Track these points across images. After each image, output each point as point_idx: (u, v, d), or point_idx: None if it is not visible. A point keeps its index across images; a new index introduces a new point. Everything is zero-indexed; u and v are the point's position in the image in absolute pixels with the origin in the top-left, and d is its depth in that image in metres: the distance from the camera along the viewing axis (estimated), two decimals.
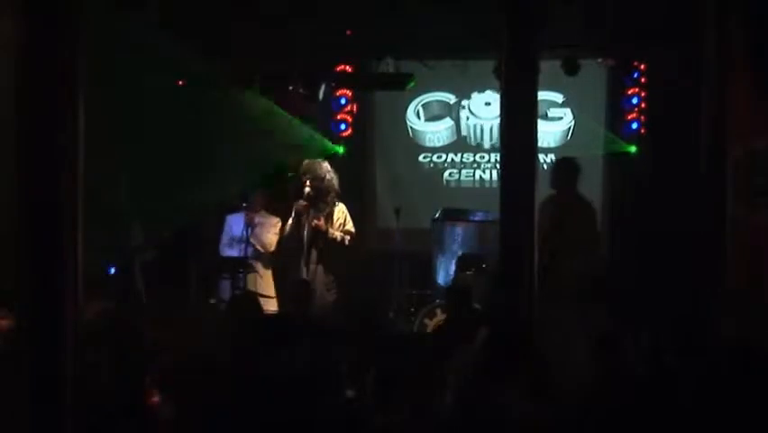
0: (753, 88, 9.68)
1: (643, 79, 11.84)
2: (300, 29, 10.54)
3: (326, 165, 9.83)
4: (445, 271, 11.14)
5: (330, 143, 12.11)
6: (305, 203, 9.58)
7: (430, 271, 11.23)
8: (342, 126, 12.28)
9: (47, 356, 4.76)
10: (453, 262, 10.94)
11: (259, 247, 10.48)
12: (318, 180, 9.62)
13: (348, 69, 11.98)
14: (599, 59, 11.65)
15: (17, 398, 4.68)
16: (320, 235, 9.54)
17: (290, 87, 11.51)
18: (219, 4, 10.58)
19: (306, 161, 9.99)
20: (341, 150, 12.17)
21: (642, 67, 11.76)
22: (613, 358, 5.96)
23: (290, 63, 11.13)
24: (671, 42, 10.59)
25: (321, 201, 9.63)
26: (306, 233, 9.61)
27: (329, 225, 9.61)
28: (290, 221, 9.70)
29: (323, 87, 11.51)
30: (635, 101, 11.93)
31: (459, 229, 11.35)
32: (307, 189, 9.59)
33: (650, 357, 5.96)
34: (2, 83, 4.93)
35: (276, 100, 11.77)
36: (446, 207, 11.46)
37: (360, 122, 12.43)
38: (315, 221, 9.54)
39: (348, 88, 12.22)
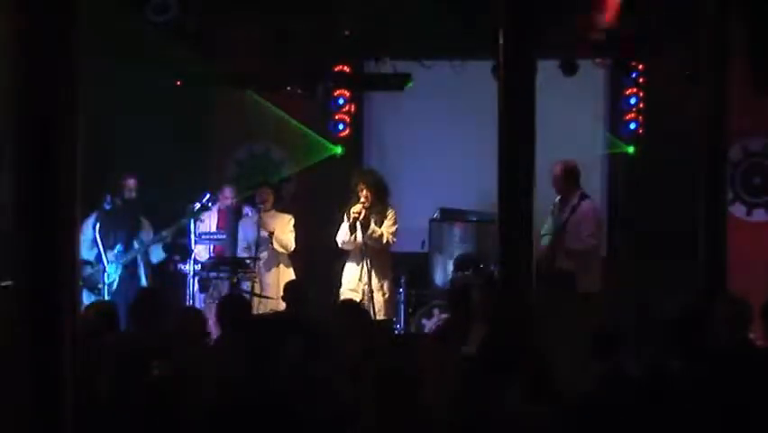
0: (750, 89, 9.69)
1: (641, 79, 11.83)
2: (299, 29, 10.53)
3: (377, 173, 9.96)
4: (443, 272, 11.14)
5: (328, 144, 12.13)
6: (359, 208, 9.61)
7: (427, 271, 11.23)
8: (341, 126, 12.26)
9: (46, 356, 4.74)
10: (451, 262, 10.94)
11: (279, 248, 10.52)
12: (376, 189, 9.71)
13: (346, 69, 11.97)
14: (597, 60, 11.65)
15: (17, 398, 4.67)
16: (371, 238, 9.62)
17: (288, 88, 11.52)
18: (217, 3, 10.57)
19: (358, 170, 10.20)
20: (339, 150, 12.17)
21: (640, 67, 11.75)
22: (612, 358, 5.95)
23: (288, 63, 11.12)
24: (669, 43, 10.60)
25: (374, 208, 9.68)
26: (361, 238, 9.66)
27: (377, 226, 9.68)
28: (344, 226, 9.71)
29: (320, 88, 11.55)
30: (633, 101, 11.92)
31: (456, 229, 11.35)
32: (362, 198, 9.62)
33: (650, 358, 5.95)
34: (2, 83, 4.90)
35: (274, 100, 11.80)
36: (444, 206, 11.47)
37: (358, 122, 12.42)
38: (355, 212, 9.61)
39: (346, 89, 12.21)
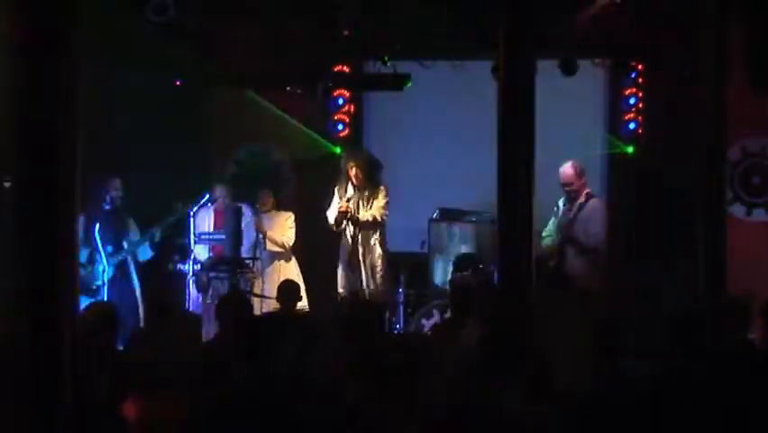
0: (749, 88, 9.69)
1: (641, 80, 11.82)
2: (299, 29, 10.53)
3: (367, 152, 10.17)
4: (442, 272, 11.13)
5: (328, 144, 12.12)
6: (345, 207, 9.77)
7: (427, 271, 11.22)
8: (340, 126, 12.25)
9: (45, 356, 4.74)
10: (450, 262, 10.93)
11: (276, 248, 10.57)
12: (366, 167, 9.86)
13: (345, 69, 11.97)
14: (597, 60, 11.64)
15: (17, 398, 4.67)
16: (358, 220, 9.79)
17: (288, 88, 11.51)
18: (217, 3, 10.57)
19: (348, 151, 10.40)
20: (338, 150, 12.16)
21: (640, 67, 11.74)
22: (612, 358, 5.95)
23: (288, 63, 11.11)
24: (669, 43, 10.59)
25: (366, 187, 9.86)
26: (350, 237, 9.86)
27: (368, 207, 9.82)
28: (334, 203, 9.91)
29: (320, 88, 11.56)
30: (632, 101, 11.91)
31: (456, 229, 11.35)
32: (353, 177, 9.82)
33: (650, 357, 5.95)
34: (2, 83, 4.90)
35: (274, 100, 11.79)
36: (443, 206, 11.46)
37: (357, 122, 12.42)
38: (344, 205, 9.74)
39: (345, 89, 12.20)
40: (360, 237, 9.85)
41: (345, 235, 9.97)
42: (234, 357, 5.99)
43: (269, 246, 10.62)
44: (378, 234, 9.95)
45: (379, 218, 9.83)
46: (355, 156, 10.04)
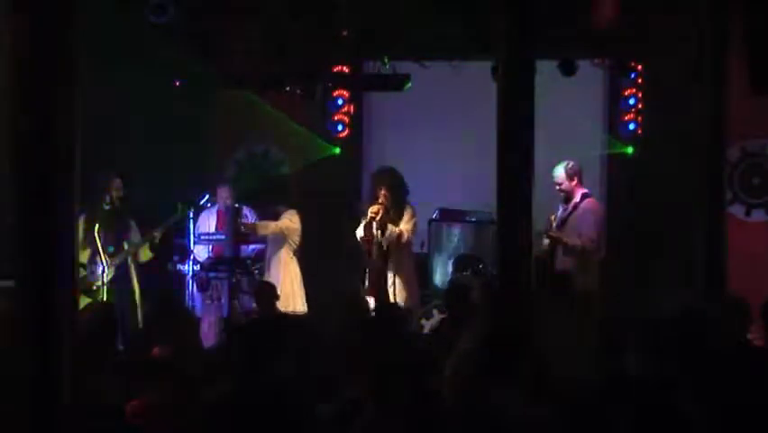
0: (749, 88, 9.68)
1: (640, 80, 11.83)
2: (299, 29, 10.54)
3: (395, 172, 9.97)
4: (442, 272, 11.15)
5: (327, 144, 12.13)
6: (376, 209, 9.69)
7: (427, 271, 11.23)
8: (340, 127, 12.26)
9: (45, 356, 4.75)
10: (450, 262, 10.95)
11: (283, 230, 10.59)
12: (394, 189, 9.81)
13: (345, 69, 11.97)
14: (596, 60, 11.64)
15: (17, 398, 4.67)
16: (386, 227, 9.73)
17: (287, 88, 11.52)
18: (216, 3, 10.58)
19: (377, 172, 10.16)
20: (338, 150, 12.17)
21: (639, 67, 11.75)
22: (612, 358, 5.96)
23: (287, 64, 11.12)
24: (668, 43, 10.59)
25: (393, 207, 9.80)
26: (379, 236, 9.77)
27: (394, 223, 9.78)
28: (362, 224, 9.82)
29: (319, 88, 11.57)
30: (632, 102, 11.91)
31: (456, 229, 11.36)
32: (381, 198, 9.73)
33: (649, 358, 5.95)
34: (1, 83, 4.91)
35: (274, 100, 11.80)
36: (443, 207, 11.47)
37: (357, 122, 12.42)
38: (372, 212, 9.71)
39: (345, 89, 12.21)
40: (389, 248, 9.82)
41: (372, 252, 9.92)
42: (236, 358, 5.99)
43: (270, 241, 10.59)
44: (404, 250, 9.90)
45: (405, 237, 9.75)
46: (382, 178, 9.93)
